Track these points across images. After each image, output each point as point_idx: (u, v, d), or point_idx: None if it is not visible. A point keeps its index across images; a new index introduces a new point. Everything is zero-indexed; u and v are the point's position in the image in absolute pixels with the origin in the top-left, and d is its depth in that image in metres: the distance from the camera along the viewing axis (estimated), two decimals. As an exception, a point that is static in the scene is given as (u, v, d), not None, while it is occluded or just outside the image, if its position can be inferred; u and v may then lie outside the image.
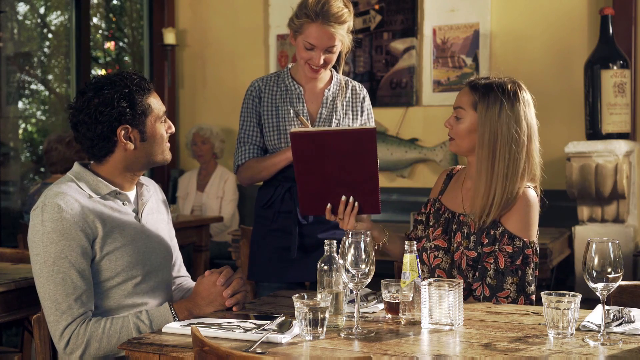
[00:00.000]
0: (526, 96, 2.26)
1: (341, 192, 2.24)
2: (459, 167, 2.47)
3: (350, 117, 2.75)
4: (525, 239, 2.20)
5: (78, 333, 1.91)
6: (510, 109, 2.21)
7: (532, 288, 2.21)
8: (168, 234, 2.24)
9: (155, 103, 2.09)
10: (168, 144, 2.13)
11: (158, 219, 2.20)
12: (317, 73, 2.65)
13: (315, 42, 2.58)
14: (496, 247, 2.20)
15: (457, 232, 2.28)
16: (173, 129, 2.14)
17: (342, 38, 2.60)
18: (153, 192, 2.22)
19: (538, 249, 2.24)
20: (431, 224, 2.37)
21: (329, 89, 2.74)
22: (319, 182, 2.24)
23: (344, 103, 2.74)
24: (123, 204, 2.08)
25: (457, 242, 2.26)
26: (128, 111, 2.02)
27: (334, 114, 2.72)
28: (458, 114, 2.28)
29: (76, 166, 2.09)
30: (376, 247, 2.34)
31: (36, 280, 1.95)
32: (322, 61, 2.60)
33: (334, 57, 2.64)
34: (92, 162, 2.11)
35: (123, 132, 2.03)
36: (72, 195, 1.97)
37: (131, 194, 2.12)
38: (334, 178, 2.22)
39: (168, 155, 2.13)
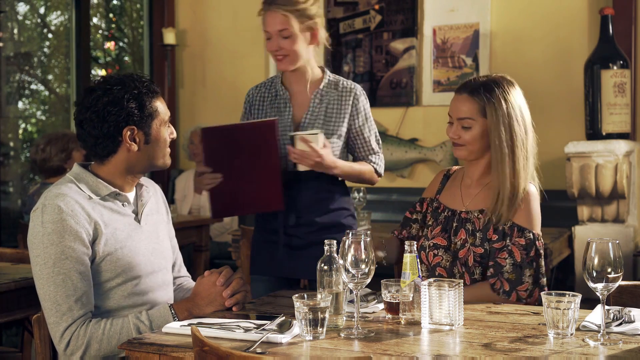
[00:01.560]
0: (518, 88, 2.29)
1: (249, 190, 2.46)
2: (456, 167, 2.48)
3: (334, 120, 2.65)
4: (533, 231, 2.22)
5: (78, 334, 1.90)
6: (513, 103, 2.24)
7: (545, 280, 2.23)
8: (168, 235, 2.24)
9: (162, 107, 2.10)
10: (169, 149, 2.14)
11: (158, 219, 2.20)
12: (282, 63, 2.62)
13: (267, 28, 2.59)
14: (508, 241, 2.21)
15: (460, 229, 2.28)
16: (175, 135, 2.15)
17: (292, 21, 2.56)
18: (152, 193, 2.22)
19: (543, 242, 2.26)
20: (429, 222, 2.37)
21: (317, 92, 2.67)
22: (228, 180, 2.45)
23: (331, 105, 2.66)
24: (123, 205, 2.08)
25: (462, 240, 2.27)
26: (136, 112, 2.02)
27: (318, 118, 2.64)
28: (465, 124, 2.26)
29: (76, 167, 2.09)
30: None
31: (36, 282, 1.95)
32: (277, 47, 2.58)
33: (291, 44, 2.59)
34: (92, 162, 2.11)
35: (129, 132, 2.03)
36: (72, 196, 1.97)
37: (131, 195, 2.12)
38: (241, 175, 2.42)
39: (168, 160, 2.14)
